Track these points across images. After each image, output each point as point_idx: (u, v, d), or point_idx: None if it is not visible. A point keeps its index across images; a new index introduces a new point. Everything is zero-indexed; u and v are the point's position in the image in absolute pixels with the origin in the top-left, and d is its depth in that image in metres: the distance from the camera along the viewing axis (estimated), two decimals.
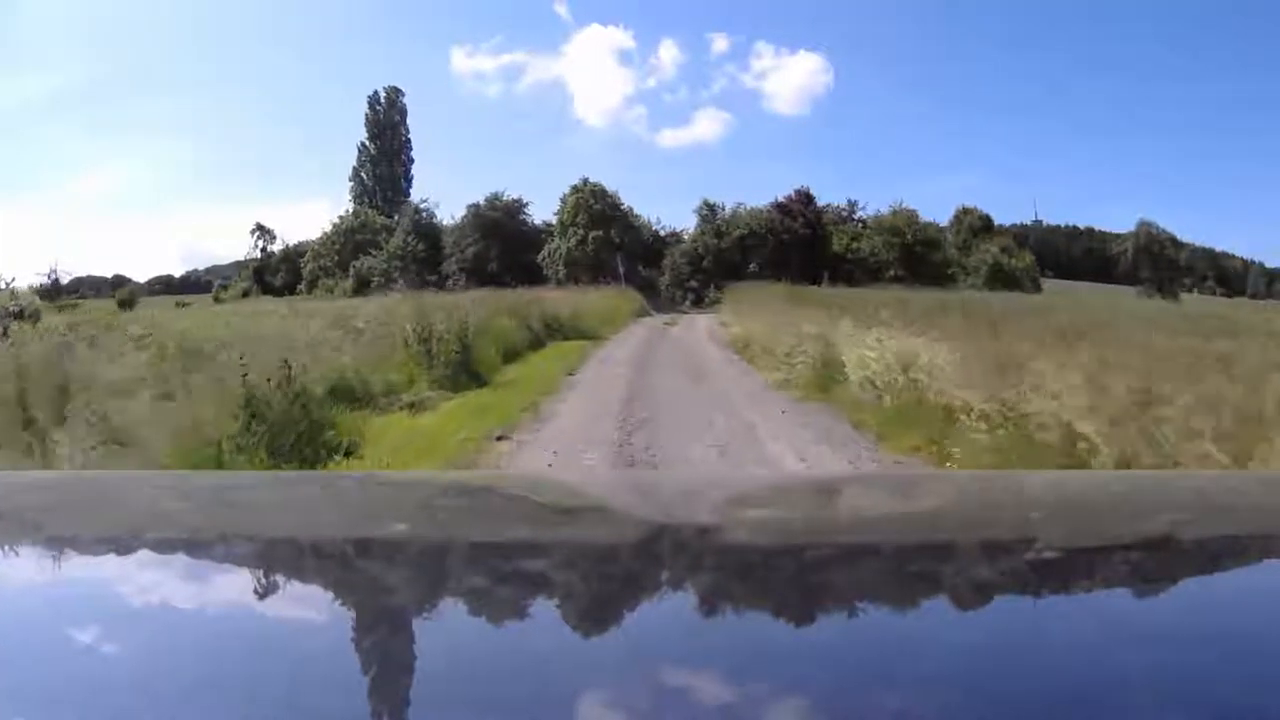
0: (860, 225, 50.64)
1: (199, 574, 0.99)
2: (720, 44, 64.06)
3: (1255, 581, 0.99)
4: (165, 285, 67.45)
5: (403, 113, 61.26)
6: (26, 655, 0.73)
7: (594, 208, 50.02)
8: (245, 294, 57.45)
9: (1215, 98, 61.84)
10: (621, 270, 42.61)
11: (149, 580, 0.95)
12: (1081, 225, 54.98)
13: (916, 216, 50.02)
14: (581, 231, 50.02)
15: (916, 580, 0.98)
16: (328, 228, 58.73)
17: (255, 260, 62.29)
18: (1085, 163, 59.61)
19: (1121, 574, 1.02)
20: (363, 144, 60.87)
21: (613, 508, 1.41)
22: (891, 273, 45.75)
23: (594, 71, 59.62)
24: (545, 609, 0.90)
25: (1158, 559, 1.07)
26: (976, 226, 52.63)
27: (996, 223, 52.53)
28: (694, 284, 50.10)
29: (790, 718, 0.63)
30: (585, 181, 51.20)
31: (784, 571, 1.02)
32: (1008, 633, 0.82)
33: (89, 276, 61.27)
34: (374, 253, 58.63)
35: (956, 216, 52.61)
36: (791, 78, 61.60)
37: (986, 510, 1.36)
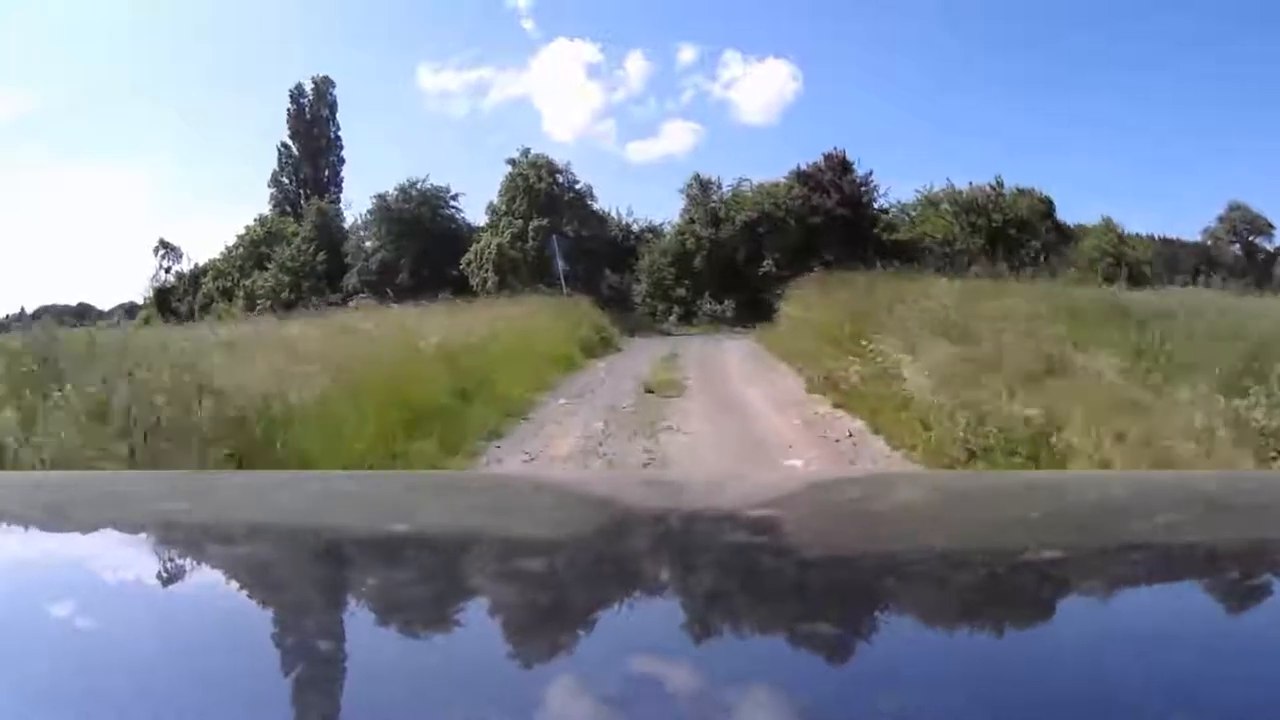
0: (895, 206, 35.36)
1: (198, 573, 0.98)
2: (688, 54, 57.78)
3: (1256, 581, 0.99)
4: (129, 311, 61.46)
5: (332, 107, 48.50)
6: (23, 656, 0.73)
7: (537, 188, 34.69)
8: (147, 321, 46.35)
9: (1180, 98, 49.21)
10: (561, 267, 24.95)
11: (146, 580, 0.94)
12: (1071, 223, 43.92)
13: (1001, 191, 34.63)
14: (520, 223, 34.71)
15: (916, 580, 0.97)
16: (232, 240, 47.53)
17: (158, 283, 51.07)
18: (1058, 164, 51.08)
19: (1121, 574, 1.01)
20: (283, 144, 48.40)
21: (613, 507, 1.39)
22: (975, 266, 30.55)
23: (561, 86, 52.79)
24: (545, 608, 0.89)
25: (1158, 559, 1.07)
26: (1040, 211, 37.73)
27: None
28: (681, 292, 34.78)
29: (790, 718, 0.64)
30: (526, 153, 35.90)
31: (784, 571, 1.01)
32: (1008, 632, 0.83)
33: (53, 305, 51.35)
34: (268, 266, 46.42)
35: (1012, 200, 37.58)
36: (761, 86, 56.82)
37: (986, 510, 1.34)
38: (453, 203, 41.64)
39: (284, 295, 44.26)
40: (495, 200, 36.38)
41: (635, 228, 39.34)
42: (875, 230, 34.54)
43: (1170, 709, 0.64)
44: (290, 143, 49.66)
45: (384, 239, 42.18)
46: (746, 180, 36.21)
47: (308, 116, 49.44)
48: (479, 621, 0.85)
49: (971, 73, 47.34)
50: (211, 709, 0.64)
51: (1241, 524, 1.22)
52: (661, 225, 38.51)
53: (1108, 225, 37.82)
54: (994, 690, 0.68)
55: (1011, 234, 33.94)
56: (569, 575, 1.00)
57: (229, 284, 46.30)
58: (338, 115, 48.59)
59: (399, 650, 0.77)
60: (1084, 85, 49.36)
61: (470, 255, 35.58)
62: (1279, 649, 0.76)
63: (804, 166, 35.10)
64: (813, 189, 34.14)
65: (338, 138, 49.56)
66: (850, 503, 1.44)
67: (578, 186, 35.71)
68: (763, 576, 0.96)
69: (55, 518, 1.23)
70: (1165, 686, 0.68)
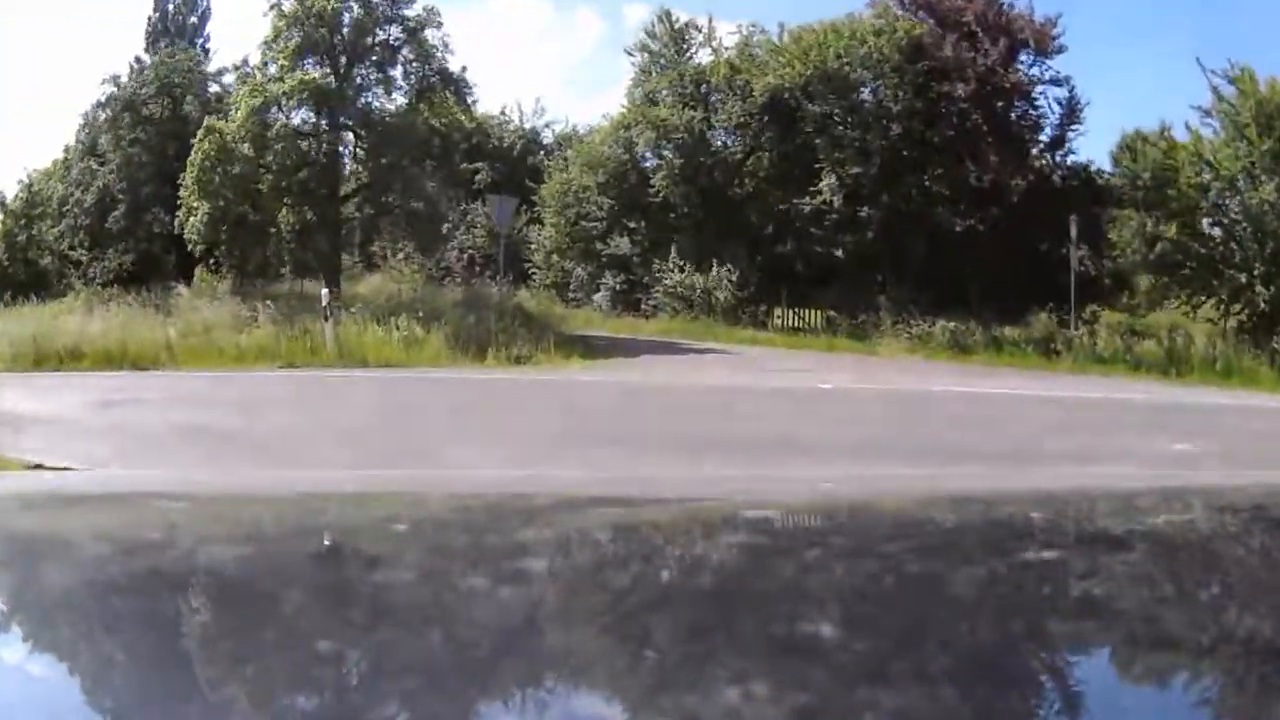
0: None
1: (195, 573, 1.02)
2: (639, 11, 51.86)
3: (1259, 583, 1.01)
4: None
5: (203, 15, 33.14)
6: (20, 658, 0.76)
7: (326, 11, 15.90)
8: None
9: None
10: None
11: (142, 580, 0.97)
12: None
13: None
14: (277, 88, 15.95)
15: (917, 581, 1.00)
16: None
17: None
18: None
19: (1122, 576, 1.03)
20: (136, 59, 31.99)
21: (612, 506, 1.46)
22: None
23: (510, 37, 48.24)
24: (541, 608, 0.92)
25: (1159, 560, 1.10)
26: None
27: None
28: (621, 244, 15.95)
29: (790, 718, 0.66)
30: None
31: (784, 571, 1.05)
32: (1008, 634, 0.85)
33: None
34: None
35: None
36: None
37: (986, 511, 1.38)
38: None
39: None
40: (254, 55, 17.64)
41: (548, 137, 20.78)
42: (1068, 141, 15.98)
43: (1171, 711, 0.66)
44: (145, 57, 33.75)
45: (115, 153, 23.58)
46: (763, 32, 17.38)
47: (170, 26, 33.80)
48: (476, 622, 0.86)
49: None
50: (209, 709, 0.66)
51: (1244, 526, 1.25)
52: (588, 133, 19.99)
53: None
54: (994, 692, 0.69)
55: None
56: (565, 574, 1.03)
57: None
58: (208, 26, 33.09)
59: (398, 651, 0.78)
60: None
61: (184, 179, 16.78)
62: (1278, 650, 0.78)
63: None
64: (931, 30, 15.38)
65: (206, 50, 33.36)
66: (851, 503, 1.47)
67: (412, 16, 16.70)
68: (763, 578, 0.99)
69: (54, 517, 1.25)
70: (1167, 688, 0.70)
